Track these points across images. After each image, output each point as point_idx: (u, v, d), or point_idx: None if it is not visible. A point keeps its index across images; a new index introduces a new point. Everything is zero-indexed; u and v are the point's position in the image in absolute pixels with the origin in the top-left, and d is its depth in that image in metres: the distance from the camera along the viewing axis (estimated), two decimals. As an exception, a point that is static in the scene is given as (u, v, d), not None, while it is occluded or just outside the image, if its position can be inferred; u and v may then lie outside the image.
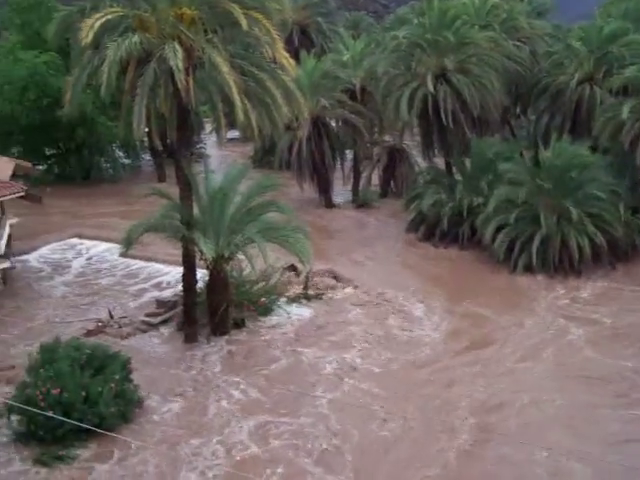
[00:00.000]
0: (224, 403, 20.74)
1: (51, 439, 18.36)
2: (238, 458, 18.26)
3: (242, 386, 21.57)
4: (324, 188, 40.69)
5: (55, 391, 18.32)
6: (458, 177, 35.43)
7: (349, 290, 28.75)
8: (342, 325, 25.86)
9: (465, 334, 25.22)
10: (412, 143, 42.24)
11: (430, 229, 34.29)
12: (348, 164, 42.61)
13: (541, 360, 23.21)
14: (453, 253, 32.86)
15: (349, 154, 42.67)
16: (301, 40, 55.96)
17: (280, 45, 23.46)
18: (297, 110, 26.50)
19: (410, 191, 37.41)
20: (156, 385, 21.66)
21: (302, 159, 38.81)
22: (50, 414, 17.32)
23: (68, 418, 17.05)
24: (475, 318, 26.41)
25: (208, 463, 18.01)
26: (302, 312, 26.80)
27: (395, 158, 42.11)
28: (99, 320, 25.86)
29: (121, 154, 51.37)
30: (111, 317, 25.99)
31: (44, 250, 34.85)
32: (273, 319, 26.17)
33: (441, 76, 34.69)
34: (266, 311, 26.40)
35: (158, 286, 29.77)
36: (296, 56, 39.70)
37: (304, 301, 27.61)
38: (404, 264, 32.47)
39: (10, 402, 18.67)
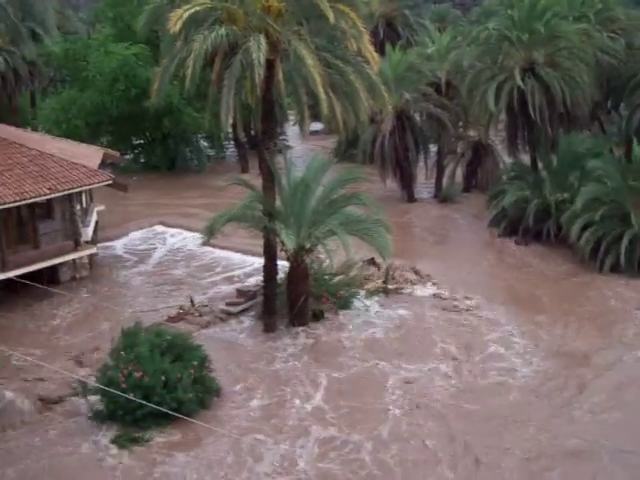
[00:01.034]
0: (298, 402, 20.52)
1: (130, 421, 18.84)
2: (302, 465, 17.93)
3: (318, 385, 21.31)
4: (407, 182, 40.38)
5: (137, 374, 18.76)
6: (543, 174, 34.61)
7: (429, 286, 28.37)
8: (420, 328, 24.93)
9: (564, 368, 22.30)
10: (497, 138, 41.47)
11: (513, 226, 33.63)
12: (431, 158, 42.18)
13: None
14: (537, 250, 32.04)
15: (433, 148, 42.23)
16: (387, 33, 55.59)
17: (366, 38, 23.35)
18: (381, 103, 26.38)
19: (494, 187, 36.78)
20: (234, 374, 21.93)
21: (385, 153, 38.59)
22: (130, 396, 17.69)
23: (148, 401, 17.39)
24: (572, 346, 23.72)
25: (278, 459, 17.97)
26: (380, 307, 26.58)
27: (480, 153, 41.42)
28: (180, 307, 26.33)
29: (206, 145, 52.13)
30: (192, 305, 26.42)
31: (128, 237, 35.71)
32: (352, 312, 26.10)
33: (529, 70, 33.94)
34: (345, 304, 26.36)
35: (239, 276, 30.09)
36: (381, 49, 39.59)
37: (382, 295, 27.47)
38: (485, 261, 31.86)
39: (93, 383, 19.25)
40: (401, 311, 26.16)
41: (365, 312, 26.15)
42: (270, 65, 22.60)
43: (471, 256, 32.29)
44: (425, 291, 27.96)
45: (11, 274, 24.64)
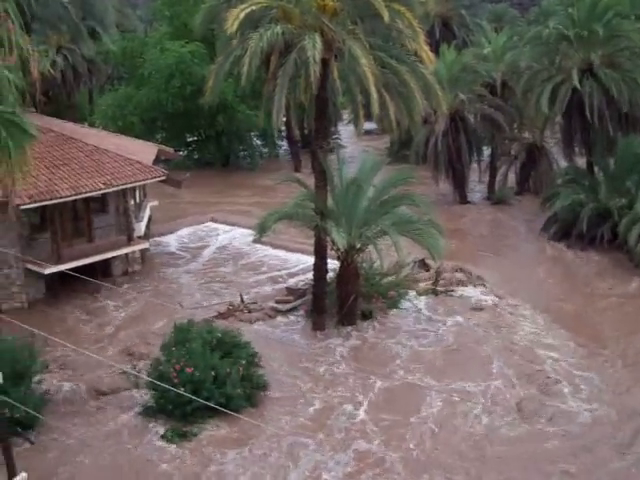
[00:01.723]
0: (342, 408, 20.13)
1: (179, 415, 19.02)
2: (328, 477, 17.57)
3: (364, 393, 20.84)
4: (459, 184, 40.05)
5: (189, 369, 18.94)
6: (600, 177, 33.97)
7: (479, 289, 28.05)
8: (469, 340, 24.02)
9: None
10: (552, 140, 40.87)
11: (566, 230, 33.03)
12: (485, 160, 41.77)
13: None
14: (590, 256, 31.40)
15: (486, 150, 41.80)
16: (442, 33, 55.14)
17: (422, 38, 23.20)
18: (435, 104, 26.21)
19: (548, 190, 36.25)
20: (281, 372, 21.98)
21: (438, 153, 38.33)
22: (181, 391, 17.86)
23: (197, 396, 17.54)
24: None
25: (311, 466, 17.74)
26: (429, 309, 26.35)
27: (534, 155, 40.85)
28: (230, 304, 26.49)
29: (259, 142, 52.42)
30: (242, 301, 26.58)
31: (180, 233, 36.05)
32: (401, 313, 25.96)
33: (587, 71, 33.37)
34: (394, 304, 26.25)
35: (288, 274, 30.16)
36: (436, 49, 39.32)
37: (432, 296, 27.27)
38: (537, 266, 31.22)
39: (144, 377, 19.49)
40: (451, 318, 25.57)
41: (414, 313, 25.96)
42: (324, 64, 22.60)
43: (523, 260, 31.84)
44: (475, 294, 27.58)
45: (65, 267, 25.05)
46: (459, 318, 25.51)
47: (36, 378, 19.65)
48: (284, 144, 52.63)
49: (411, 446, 18.45)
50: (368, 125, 44.99)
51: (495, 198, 40.19)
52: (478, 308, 26.29)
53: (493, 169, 41.16)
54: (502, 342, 23.81)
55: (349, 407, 20.14)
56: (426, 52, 23.49)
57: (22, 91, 14.19)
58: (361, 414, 19.83)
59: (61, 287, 27.35)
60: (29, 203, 25.25)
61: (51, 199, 26.16)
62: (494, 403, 20.28)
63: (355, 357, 23.00)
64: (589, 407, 20.09)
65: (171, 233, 35.79)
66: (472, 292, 27.71)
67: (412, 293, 27.16)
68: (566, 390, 20.96)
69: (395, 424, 19.35)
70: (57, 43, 49.57)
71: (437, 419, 19.55)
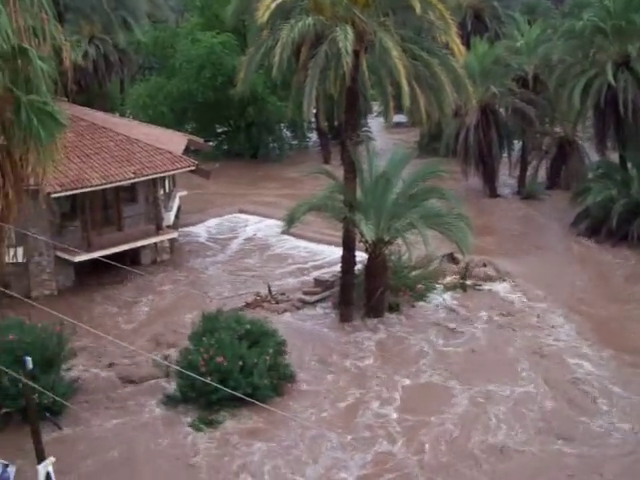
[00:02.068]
0: (367, 405, 19.88)
1: (204, 404, 19.13)
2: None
3: (390, 390, 20.57)
4: (489, 178, 39.76)
5: (219, 359, 19.03)
6: (633, 172, 33.51)
7: (507, 285, 27.80)
8: (495, 338, 23.56)
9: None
10: (585, 135, 40.39)
11: (597, 226, 32.62)
12: (515, 154, 41.41)
13: None
14: (621, 254, 30.88)
15: (517, 144, 41.43)
16: (474, 25, 54.50)
17: (454, 30, 23.03)
18: (466, 97, 26.00)
19: (579, 185, 35.84)
20: (308, 363, 22.00)
21: (468, 147, 38.07)
22: (208, 380, 17.93)
23: (224, 385, 17.60)
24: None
25: (329, 463, 17.60)
26: (457, 304, 26.17)
27: (565, 150, 40.41)
28: (257, 294, 26.56)
29: (288, 134, 52.40)
30: (269, 292, 26.63)
31: (209, 223, 36.21)
32: (428, 307, 25.86)
33: (622, 64, 32.89)
34: (422, 297, 26.16)
35: (316, 265, 30.16)
36: (468, 41, 39.02)
37: (460, 291, 27.13)
38: (567, 262, 30.81)
39: (172, 365, 19.61)
40: (478, 314, 25.22)
41: (442, 308, 25.81)
42: (355, 55, 22.51)
43: (552, 257, 31.39)
44: (503, 290, 27.32)
45: (95, 255, 25.26)
46: (487, 315, 25.16)
47: (65, 365, 19.86)
48: (313, 136, 52.57)
49: (429, 450, 17.93)
50: (399, 117, 45.05)
51: (525, 193, 39.83)
52: (506, 306, 25.98)
53: (524, 163, 40.78)
54: (530, 345, 23.09)
55: (375, 405, 19.87)
56: (457, 44, 23.32)
57: (54, 80, 14.27)
58: (386, 413, 19.54)
59: (90, 275, 27.62)
60: (60, 191, 25.51)
61: (82, 188, 26.44)
62: (518, 412, 19.38)
63: (382, 352, 22.84)
64: (621, 427, 18.59)
65: (200, 223, 35.94)
66: (500, 288, 27.44)
67: (440, 287, 27.04)
68: (598, 406, 19.63)
69: (418, 425, 18.94)
70: (89, 33, 49.87)
71: (458, 423, 18.95)
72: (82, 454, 17.80)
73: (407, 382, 20.98)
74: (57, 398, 17.60)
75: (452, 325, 24.41)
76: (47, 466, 15.18)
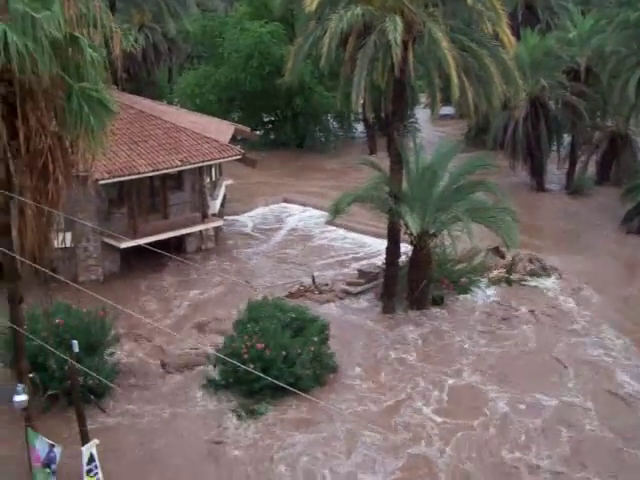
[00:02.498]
0: (406, 403, 19.53)
1: (246, 392, 19.24)
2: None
3: (431, 389, 20.19)
4: (537, 171, 39.25)
5: (259, 345, 19.09)
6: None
7: (553, 281, 27.41)
8: (541, 339, 22.80)
9: None
10: (638, 129, 39.59)
11: (648, 223, 32.12)
12: (564, 148, 40.77)
13: None
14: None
15: (567, 138, 40.79)
16: (525, 16, 53.66)
17: (504, 21, 22.70)
18: (515, 89, 25.62)
19: (630, 181, 35.18)
20: (350, 353, 21.96)
21: (517, 140, 37.64)
22: (250, 368, 18.01)
23: (267, 374, 17.65)
24: None
25: (359, 460, 17.30)
26: (501, 299, 25.89)
27: (617, 144, 39.70)
28: (301, 284, 26.62)
29: (335, 124, 52.33)
30: (313, 282, 26.66)
31: (254, 212, 36.37)
32: (472, 301, 25.63)
33: (681, 56, 32.15)
34: (466, 291, 25.96)
35: (360, 256, 30.11)
36: (518, 32, 38.46)
37: (505, 285, 26.83)
38: (616, 261, 30.25)
39: (215, 352, 19.75)
40: (523, 312, 24.75)
41: (486, 303, 25.57)
42: (404, 46, 22.30)
43: (601, 254, 30.73)
44: (550, 287, 26.91)
45: (141, 241, 25.49)
46: (531, 315, 24.65)
47: (108, 350, 20.11)
48: (360, 127, 52.42)
49: (461, 457, 17.33)
50: (446, 109, 44.70)
51: (573, 188, 39.24)
52: (552, 305, 25.50)
53: (573, 158, 40.15)
54: (576, 352, 22.24)
55: (415, 404, 19.47)
56: (507, 36, 23.00)
57: (105, 68, 14.42)
58: (425, 413, 19.12)
59: (135, 262, 27.92)
60: (108, 178, 25.79)
61: (129, 175, 26.68)
62: (557, 428, 18.32)
63: (424, 347, 22.53)
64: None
65: (245, 212, 36.13)
66: (546, 285, 27.04)
67: (484, 281, 26.80)
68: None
69: (455, 428, 18.36)
70: (139, 22, 50.43)
71: (496, 431, 18.33)
72: (124, 437, 18.04)
73: (448, 381, 20.56)
74: (102, 379, 17.83)
75: (495, 323, 24.08)
76: (91, 448, 15.40)
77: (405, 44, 22.43)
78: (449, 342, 22.90)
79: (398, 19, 21.70)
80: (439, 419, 18.85)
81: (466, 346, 22.57)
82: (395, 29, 21.29)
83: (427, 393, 20.01)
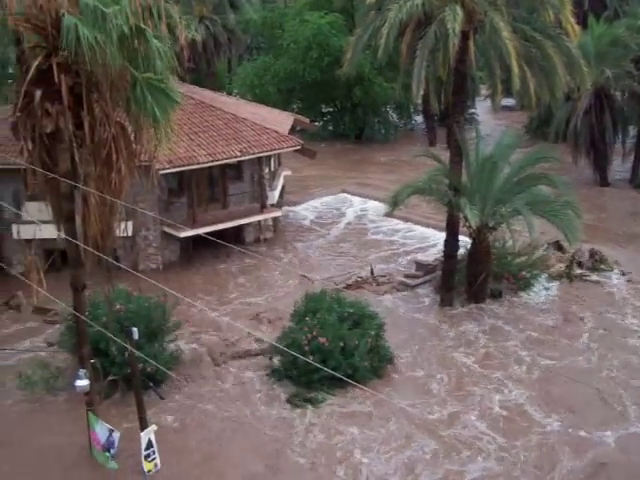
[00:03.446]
0: (469, 414, 18.49)
1: (305, 382, 19.30)
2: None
3: (492, 391, 19.55)
4: (600, 165, 38.39)
5: (322, 339, 19.15)
6: None
7: (616, 277, 26.80)
8: (603, 347, 21.61)
9: None
10: None
11: None
12: (630, 141, 39.79)
13: None
14: None
15: (632, 130, 39.80)
16: (592, 3, 52.46)
17: (569, 9, 22.22)
18: (579, 80, 25.11)
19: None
20: (407, 346, 21.84)
21: (580, 132, 36.84)
22: (309, 359, 18.05)
23: (324, 366, 17.68)
24: None
25: (405, 460, 17.00)
26: (562, 295, 25.41)
27: (685, 137, 38.63)
28: (359, 276, 26.57)
29: (394, 116, 52.05)
30: (372, 274, 26.60)
31: (312, 203, 36.43)
32: (532, 296, 25.23)
33: None
34: (525, 285, 25.56)
35: (418, 249, 29.93)
36: (584, 20, 37.64)
37: (566, 281, 26.35)
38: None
39: (271, 343, 19.86)
40: (584, 311, 24.05)
41: (546, 299, 25.14)
42: (464, 37, 22.06)
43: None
44: (612, 283, 26.25)
45: (200, 231, 25.73)
46: (593, 314, 23.82)
47: (167, 337, 20.37)
48: (419, 118, 52.06)
49: None
50: (507, 100, 44.03)
51: (639, 182, 38.29)
52: (615, 304, 24.78)
53: (639, 151, 39.17)
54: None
55: (472, 416, 18.47)
56: (572, 24, 22.50)
57: (169, 59, 14.60)
58: (478, 428, 18.03)
59: (194, 251, 28.22)
60: (168, 168, 26.08)
61: (189, 165, 26.94)
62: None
63: (481, 349, 21.79)
64: None
65: (303, 203, 36.21)
66: (608, 281, 26.46)
67: (544, 275, 26.35)
68: None
69: (504, 447, 17.23)
70: (200, 13, 50.86)
71: (542, 451, 17.12)
72: (181, 424, 18.27)
73: (499, 396, 19.40)
74: (160, 367, 18.08)
75: (555, 323, 23.38)
76: (149, 433, 15.66)
77: (466, 34, 22.16)
78: (507, 344, 22.04)
79: (458, 8, 21.44)
80: (487, 432, 17.86)
81: (524, 356, 21.38)
82: (455, 19, 21.05)
83: (483, 403, 19.03)
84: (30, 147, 14.81)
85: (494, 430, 17.91)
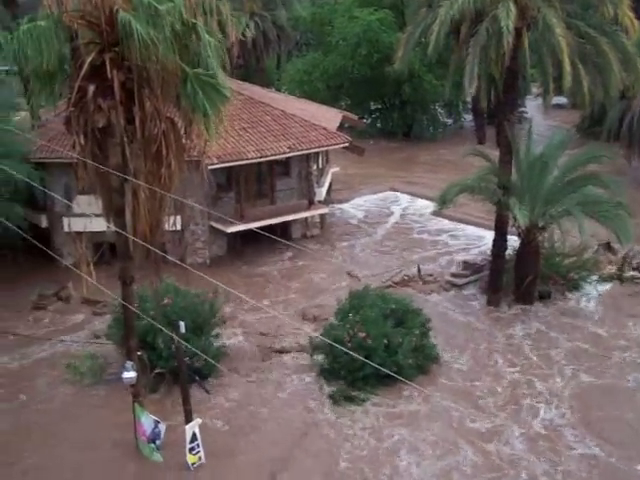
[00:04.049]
0: (513, 427, 17.97)
1: (350, 380, 19.25)
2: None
3: (541, 396, 19.21)
4: (654, 165, 37.65)
5: (362, 335, 19.07)
6: None
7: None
8: None
9: None
10: None
11: None
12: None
13: None
14: None
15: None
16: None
17: (626, 3, 21.72)
18: (635, 77, 24.55)
19: None
20: (451, 346, 21.65)
21: (634, 131, 36.13)
22: (356, 356, 17.99)
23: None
24: None
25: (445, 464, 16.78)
26: (613, 298, 24.93)
27: None
28: (405, 274, 26.44)
29: (443, 113, 51.67)
30: (419, 272, 26.45)
31: (359, 200, 36.28)
32: (581, 298, 24.82)
33: None
34: (575, 287, 25.16)
35: (466, 248, 29.67)
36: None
37: (617, 282, 25.87)
38: None
39: (316, 339, 19.86)
40: (636, 316, 23.46)
41: (596, 300, 24.72)
42: (517, 34, 21.75)
43: None
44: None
45: (248, 226, 25.87)
46: None
47: (214, 332, 20.50)
48: (468, 116, 51.60)
49: None
50: (558, 99, 43.38)
51: (695, 182, 37.44)
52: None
53: (696, 151, 38.27)
54: None
55: (513, 431, 17.84)
56: (630, 19, 21.97)
57: (220, 55, 14.71)
58: (518, 445, 17.37)
59: (241, 246, 28.36)
60: (217, 163, 26.23)
61: (238, 160, 27.08)
62: None
63: (527, 354, 21.34)
64: None
65: (351, 200, 36.11)
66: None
67: (594, 277, 25.89)
68: None
69: (551, 464, 16.55)
70: (250, 9, 51.07)
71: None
72: (226, 418, 18.38)
73: (541, 412, 18.61)
74: (209, 359, 18.19)
75: (603, 331, 22.70)
76: (194, 426, 15.82)
77: (519, 31, 21.86)
78: (553, 351, 21.50)
79: (512, 5, 21.14)
80: (532, 447, 17.28)
81: (569, 367, 20.61)
82: (508, 16, 20.76)
83: (523, 419, 18.37)
84: (82, 141, 15.05)
85: (531, 451, 17.07)
